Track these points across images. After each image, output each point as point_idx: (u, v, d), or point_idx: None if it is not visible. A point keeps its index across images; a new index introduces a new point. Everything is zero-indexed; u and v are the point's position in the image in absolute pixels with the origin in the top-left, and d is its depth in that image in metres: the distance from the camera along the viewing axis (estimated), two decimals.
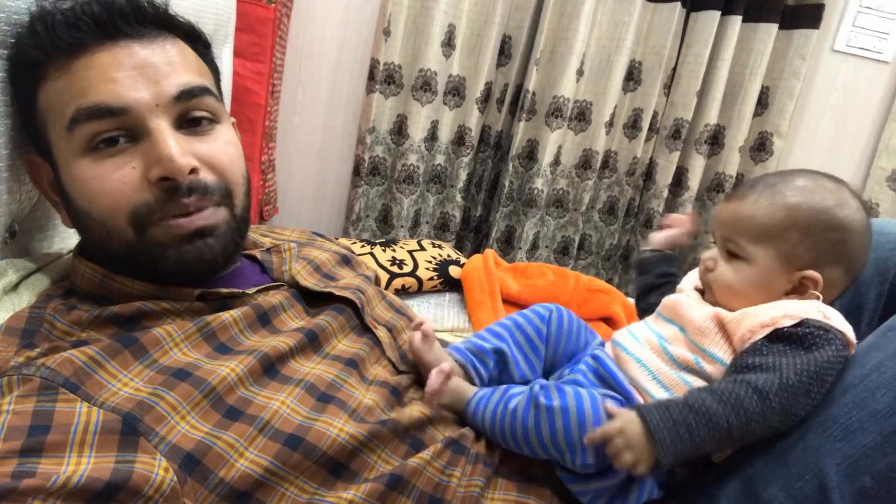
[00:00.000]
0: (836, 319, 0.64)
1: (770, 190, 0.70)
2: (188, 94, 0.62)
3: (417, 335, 0.72)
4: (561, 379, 0.74)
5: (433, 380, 0.68)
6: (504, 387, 0.70)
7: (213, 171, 0.64)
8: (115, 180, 0.59)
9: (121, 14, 0.61)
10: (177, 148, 0.59)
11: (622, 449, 0.59)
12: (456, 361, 0.73)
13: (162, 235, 0.61)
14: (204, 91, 0.64)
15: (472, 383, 0.73)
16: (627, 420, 0.60)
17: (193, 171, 0.61)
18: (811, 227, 0.67)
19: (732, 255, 0.71)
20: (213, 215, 0.64)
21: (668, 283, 0.84)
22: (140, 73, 0.60)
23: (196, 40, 0.69)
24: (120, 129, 0.60)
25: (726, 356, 0.66)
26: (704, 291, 0.75)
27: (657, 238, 0.91)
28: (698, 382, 0.66)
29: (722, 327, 0.67)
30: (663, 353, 0.70)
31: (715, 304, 0.72)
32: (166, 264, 0.62)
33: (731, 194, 0.75)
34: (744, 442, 0.62)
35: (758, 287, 0.69)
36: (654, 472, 0.61)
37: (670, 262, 0.89)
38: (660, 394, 0.68)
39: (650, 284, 0.89)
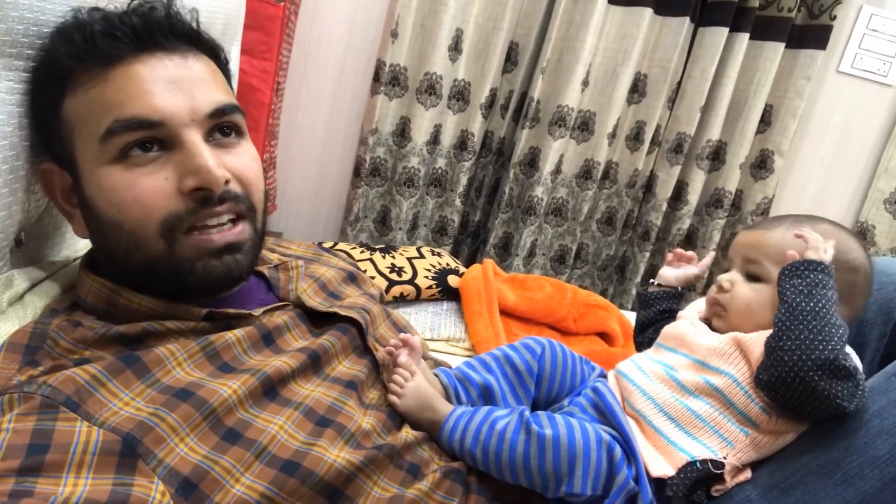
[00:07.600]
0: (851, 354, 0.66)
1: (798, 225, 0.75)
2: (220, 113, 0.64)
3: (403, 350, 0.72)
4: (561, 410, 0.74)
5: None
6: (486, 408, 0.70)
7: (240, 184, 0.65)
8: (147, 189, 0.60)
9: (158, 26, 0.62)
10: (213, 160, 0.60)
11: (820, 243, 0.70)
12: (440, 383, 0.73)
13: (190, 250, 0.62)
14: (234, 109, 0.66)
15: None
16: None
17: (226, 182, 0.62)
18: (833, 265, 0.70)
19: (752, 279, 0.75)
20: (241, 232, 0.65)
21: (668, 319, 0.85)
22: (176, 86, 0.61)
23: (218, 57, 0.70)
24: (153, 138, 0.60)
25: (739, 373, 0.68)
26: (713, 319, 0.77)
27: (668, 276, 0.91)
28: (704, 410, 0.68)
29: (740, 348, 0.69)
30: (671, 381, 0.72)
31: (724, 332, 0.73)
32: (193, 279, 0.63)
33: (755, 224, 0.79)
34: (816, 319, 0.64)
35: (773, 307, 0.71)
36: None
37: (674, 299, 0.90)
38: (665, 426, 0.69)
39: (650, 320, 0.90)
